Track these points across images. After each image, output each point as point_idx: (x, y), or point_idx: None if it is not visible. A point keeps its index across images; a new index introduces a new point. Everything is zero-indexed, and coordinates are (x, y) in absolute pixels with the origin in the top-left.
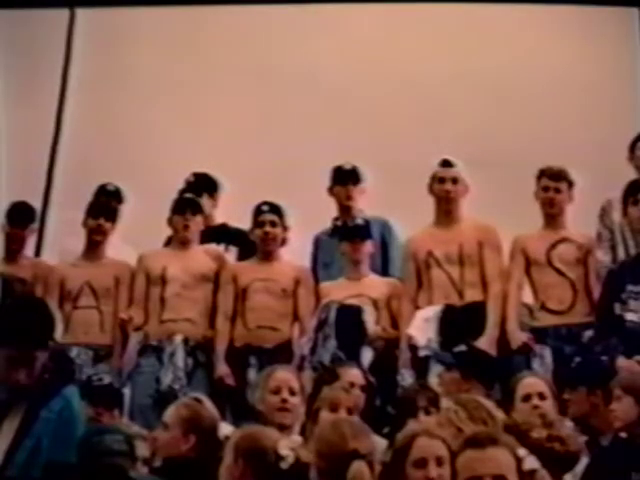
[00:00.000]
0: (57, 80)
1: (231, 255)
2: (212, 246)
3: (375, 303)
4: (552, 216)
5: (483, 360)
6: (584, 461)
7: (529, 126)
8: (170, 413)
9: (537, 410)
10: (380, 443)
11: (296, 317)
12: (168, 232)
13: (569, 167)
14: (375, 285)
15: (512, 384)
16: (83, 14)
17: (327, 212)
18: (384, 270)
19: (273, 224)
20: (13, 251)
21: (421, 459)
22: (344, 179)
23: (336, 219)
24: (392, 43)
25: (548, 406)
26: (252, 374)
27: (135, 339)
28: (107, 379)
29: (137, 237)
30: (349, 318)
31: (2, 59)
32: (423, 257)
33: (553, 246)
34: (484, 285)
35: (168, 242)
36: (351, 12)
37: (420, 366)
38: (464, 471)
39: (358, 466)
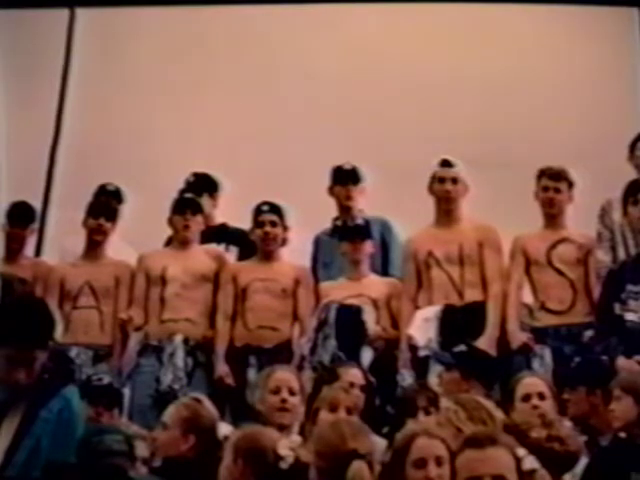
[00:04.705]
0: (57, 80)
1: (231, 255)
2: (212, 246)
3: (375, 303)
4: (552, 216)
5: (483, 360)
6: (583, 461)
7: (529, 126)
8: (169, 413)
9: (537, 410)
10: (380, 443)
11: (296, 317)
12: (168, 232)
13: (569, 167)
14: (375, 285)
15: (512, 384)
16: (83, 14)
17: (327, 212)
18: (384, 270)
19: (273, 224)
20: (13, 251)
21: (420, 459)
22: (344, 179)
23: (336, 219)
24: (392, 43)
25: (548, 406)
26: (252, 374)
27: (135, 339)
28: (107, 379)
29: (137, 237)
30: (349, 318)
31: (2, 59)
32: (423, 257)
33: (553, 246)
34: (484, 285)
35: (168, 242)
36: (351, 12)
37: (420, 366)
38: (463, 471)
39: (358, 466)
